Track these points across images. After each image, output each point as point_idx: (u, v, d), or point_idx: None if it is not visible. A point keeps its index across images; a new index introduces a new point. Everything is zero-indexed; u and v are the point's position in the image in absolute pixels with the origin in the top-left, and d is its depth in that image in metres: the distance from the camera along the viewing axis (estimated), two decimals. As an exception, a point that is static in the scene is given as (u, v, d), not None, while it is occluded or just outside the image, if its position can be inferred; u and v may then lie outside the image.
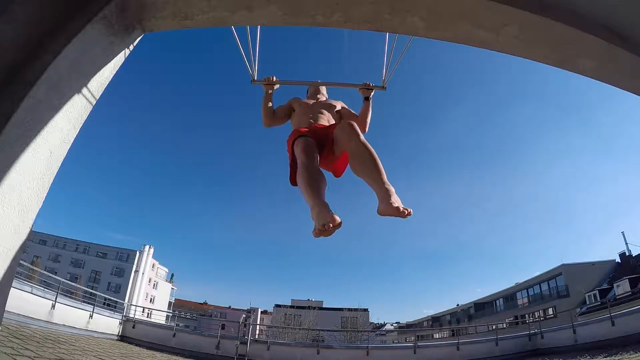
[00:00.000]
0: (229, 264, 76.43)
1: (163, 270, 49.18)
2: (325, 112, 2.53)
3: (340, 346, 15.76)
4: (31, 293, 8.27)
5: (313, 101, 2.68)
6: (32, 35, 1.51)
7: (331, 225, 1.43)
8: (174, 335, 12.27)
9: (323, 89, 2.82)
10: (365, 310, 37.91)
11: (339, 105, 2.69)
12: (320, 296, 58.45)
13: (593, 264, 28.04)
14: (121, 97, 54.55)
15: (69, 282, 13.15)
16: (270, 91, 2.65)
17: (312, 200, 1.60)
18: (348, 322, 34.75)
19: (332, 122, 2.49)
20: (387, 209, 1.51)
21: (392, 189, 1.60)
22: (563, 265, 28.52)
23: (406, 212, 1.48)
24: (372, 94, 2.61)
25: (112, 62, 1.83)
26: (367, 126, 2.60)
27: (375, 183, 1.67)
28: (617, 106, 53.35)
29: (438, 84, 71.50)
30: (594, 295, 24.76)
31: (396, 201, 1.52)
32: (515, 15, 1.77)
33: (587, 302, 24.77)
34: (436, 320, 44.21)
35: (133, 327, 12.30)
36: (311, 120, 2.41)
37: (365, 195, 73.29)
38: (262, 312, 45.31)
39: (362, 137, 1.87)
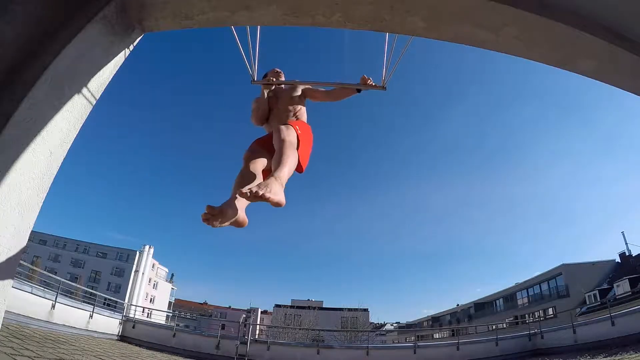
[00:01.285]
0: (229, 264, 76.48)
1: (163, 270, 49.16)
2: (289, 104, 2.58)
3: (340, 346, 15.76)
4: (31, 293, 8.26)
5: (276, 95, 2.69)
6: (32, 35, 1.50)
7: (202, 216, 1.63)
8: (174, 335, 12.26)
9: (281, 77, 2.82)
10: (365, 310, 37.92)
11: (299, 90, 2.70)
12: (320, 296, 58.53)
13: (593, 264, 28.01)
14: (121, 97, 54.60)
15: (69, 282, 13.13)
16: (268, 92, 2.65)
17: (231, 194, 1.86)
18: (348, 322, 34.75)
19: (300, 110, 2.59)
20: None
21: (267, 179, 1.67)
22: (563, 265, 28.49)
23: (244, 191, 1.52)
24: (366, 90, 2.62)
25: (112, 62, 1.83)
26: (333, 100, 2.73)
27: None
28: (617, 106, 53.38)
29: (438, 84, 71.60)
30: (594, 295, 24.75)
31: (249, 186, 1.58)
32: (515, 15, 1.77)
33: (587, 302, 24.75)
34: (436, 320, 44.19)
35: (133, 327, 12.29)
36: (280, 119, 2.47)
37: (364, 197, 73.28)
38: (262, 312, 45.28)
39: (282, 137, 2.01)
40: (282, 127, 2.11)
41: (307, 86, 2.74)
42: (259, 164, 2.12)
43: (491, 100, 68.98)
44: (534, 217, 69.86)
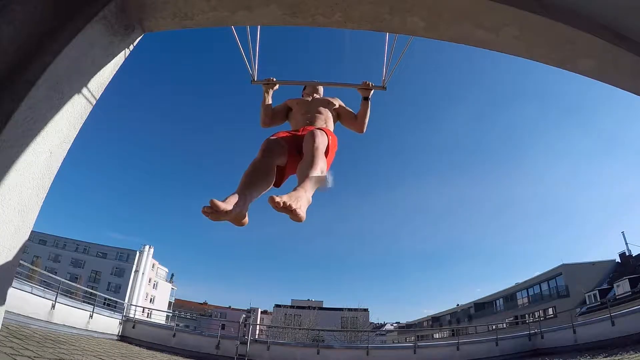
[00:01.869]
0: (229, 264, 76.43)
1: (163, 270, 49.14)
2: (322, 110, 2.52)
3: (340, 346, 15.75)
4: (31, 293, 8.26)
5: (310, 99, 2.67)
6: (32, 35, 1.50)
7: (204, 207, 1.46)
8: (174, 335, 12.26)
9: (320, 88, 2.81)
10: (365, 310, 37.95)
11: (336, 102, 2.67)
12: (320, 296, 58.55)
13: (593, 264, 27.99)
14: (121, 97, 54.64)
15: (69, 282, 13.14)
16: (270, 92, 2.66)
17: (237, 188, 1.73)
18: (348, 322, 34.74)
19: (330, 120, 2.52)
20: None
21: (297, 191, 1.55)
22: (563, 265, 28.47)
23: (276, 200, 1.38)
24: (372, 93, 2.61)
25: (112, 62, 1.82)
26: (365, 126, 2.62)
27: (298, 183, 1.70)
28: (617, 106, 53.40)
29: (438, 84, 71.58)
30: (594, 295, 24.74)
31: (282, 197, 1.44)
32: (515, 15, 1.77)
33: (587, 302, 24.75)
34: (436, 320, 44.17)
35: (133, 327, 12.29)
36: (307, 121, 2.42)
37: (364, 197, 73.28)
38: (262, 312, 45.27)
39: (317, 145, 1.89)
40: (318, 131, 2.00)
41: (342, 104, 2.70)
42: (275, 160, 1.97)
43: (491, 100, 69.08)
44: (534, 217, 69.92)
